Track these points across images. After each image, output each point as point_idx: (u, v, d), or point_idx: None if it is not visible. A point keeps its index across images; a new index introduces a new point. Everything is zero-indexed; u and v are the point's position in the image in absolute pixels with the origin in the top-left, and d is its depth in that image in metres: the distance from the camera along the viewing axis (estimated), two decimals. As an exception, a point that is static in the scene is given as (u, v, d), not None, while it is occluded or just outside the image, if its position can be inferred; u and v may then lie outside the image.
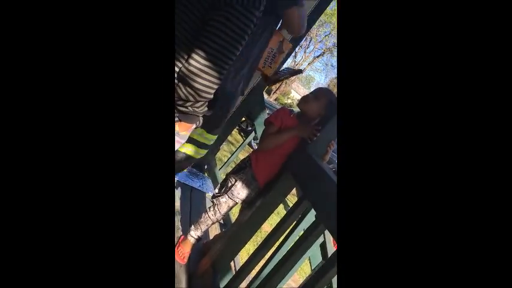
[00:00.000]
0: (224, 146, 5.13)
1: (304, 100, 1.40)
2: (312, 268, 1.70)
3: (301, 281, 2.65)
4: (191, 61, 0.79)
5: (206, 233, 1.72)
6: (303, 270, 3.07)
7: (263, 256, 1.33)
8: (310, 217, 1.29)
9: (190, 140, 1.39)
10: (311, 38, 14.86)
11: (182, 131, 0.95)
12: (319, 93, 1.40)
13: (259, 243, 1.36)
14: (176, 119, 0.90)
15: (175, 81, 0.82)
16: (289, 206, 2.88)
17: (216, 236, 1.76)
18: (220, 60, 0.79)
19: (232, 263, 1.59)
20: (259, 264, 1.34)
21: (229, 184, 1.42)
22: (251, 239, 1.43)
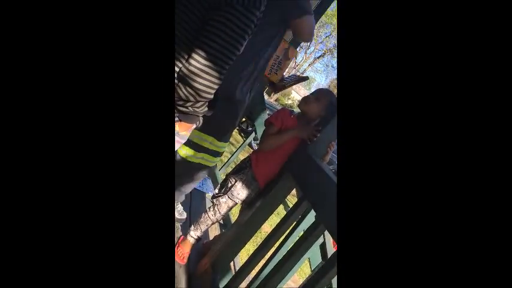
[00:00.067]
0: (224, 147, 5.12)
1: (304, 101, 1.40)
2: (312, 269, 1.70)
3: (301, 281, 2.65)
4: (191, 61, 0.79)
5: (206, 233, 1.72)
6: (302, 270, 3.07)
7: (263, 256, 1.33)
8: (310, 218, 1.29)
9: (203, 149, 1.42)
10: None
11: (182, 131, 0.95)
12: (319, 94, 1.40)
13: (259, 243, 1.36)
14: (176, 119, 0.90)
15: (176, 81, 0.82)
16: (289, 207, 2.88)
17: (216, 237, 1.76)
18: (221, 60, 0.79)
19: (232, 264, 1.59)
20: (259, 264, 1.34)
21: (229, 184, 1.42)
22: (251, 240, 1.43)
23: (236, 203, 1.45)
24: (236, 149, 3.00)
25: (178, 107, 0.86)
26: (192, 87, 0.80)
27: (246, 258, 1.37)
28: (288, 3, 1.25)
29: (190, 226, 1.52)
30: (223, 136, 1.43)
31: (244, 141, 2.86)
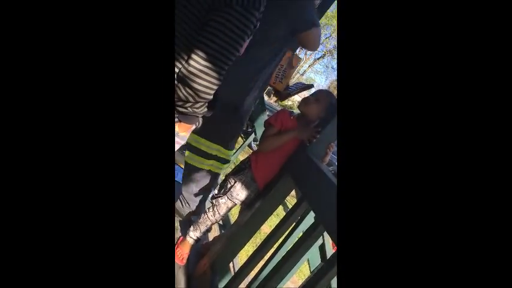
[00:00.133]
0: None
1: (304, 102, 1.40)
2: (311, 270, 1.70)
3: (300, 282, 2.64)
4: (191, 62, 0.79)
5: (205, 234, 1.72)
6: (302, 272, 3.07)
7: (262, 257, 1.33)
8: (309, 219, 1.29)
9: (212, 157, 1.45)
10: (312, 40, 14.84)
11: (182, 132, 0.95)
12: (319, 95, 1.40)
13: (258, 244, 1.35)
14: (176, 119, 0.90)
15: (175, 81, 0.82)
16: (288, 208, 2.88)
17: (215, 237, 1.76)
18: (220, 61, 0.80)
19: (231, 264, 1.59)
20: (258, 265, 1.34)
21: (229, 185, 1.42)
22: (250, 240, 1.43)
23: (235, 204, 1.45)
24: (236, 150, 3.00)
25: (178, 108, 0.87)
26: (191, 87, 0.80)
27: (245, 259, 1.37)
28: (296, 16, 1.28)
29: (189, 227, 1.52)
30: (230, 144, 1.46)
31: (244, 142, 2.86)
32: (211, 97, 0.85)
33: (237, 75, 1.32)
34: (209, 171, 1.57)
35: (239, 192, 1.40)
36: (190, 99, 0.83)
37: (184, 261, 1.48)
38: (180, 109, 0.87)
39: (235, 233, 1.43)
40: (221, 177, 1.73)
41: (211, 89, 0.82)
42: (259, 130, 2.46)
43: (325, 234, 1.35)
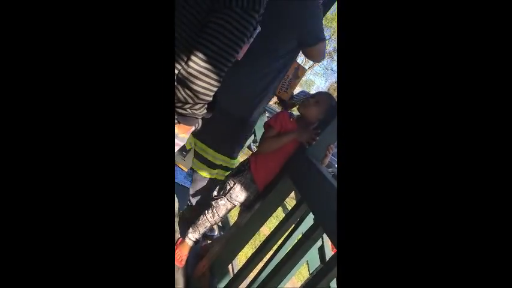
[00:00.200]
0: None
1: (304, 104, 1.40)
2: (310, 272, 1.70)
3: (299, 284, 2.64)
4: (190, 63, 0.79)
5: (204, 235, 1.72)
6: (301, 273, 3.06)
7: (261, 259, 1.33)
8: (309, 220, 1.29)
9: (217, 166, 1.53)
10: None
11: (181, 133, 0.95)
12: (319, 97, 1.40)
13: (258, 246, 1.35)
14: (175, 121, 0.90)
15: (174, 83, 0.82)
16: (287, 210, 2.88)
17: (214, 239, 1.75)
18: (220, 62, 0.80)
19: (230, 266, 1.59)
20: (257, 267, 1.34)
21: (228, 187, 1.42)
22: (249, 242, 1.43)
23: (235, 206, 1.44)
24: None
25: (177, 109, 0.87)
26: (190, 89, 0.80)
27: (244, 261, 1.36)
28: (305, 30, 1.34)
29: (188, 228, 1.52)
30: (235, 154, 1.51)
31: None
32: (210, 98, 0.85)
33: (247, 89, 1.37)
34: (214, 180, 1.61)
35: (238, 194, 1.40)
36: (190, 100, 0.83)
37: (183, 262, 1.48)
38: (180, 110, 0.87)
39: (234, 235, 1.42)
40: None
41: (210, 90, 0.82)
42: (259, 132, 2.46)
43: (325, 236, 1.35)
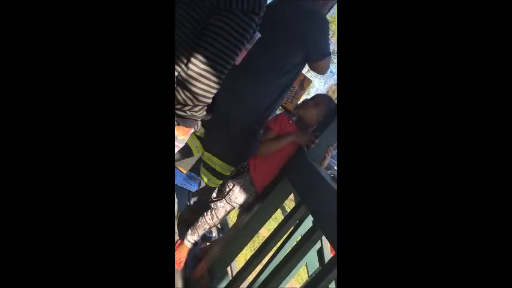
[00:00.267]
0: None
1: (303, 107, 1.41)
2: (309, 274, 1.70)
3: (298, 286, 2.63)
4: (190, 65, 0.79)
5: (203, 237, 1.72)
6: (300, 276, 3.06)
7: (260, 261, 1.32)
8: (308, 223, 1.29)
9: (224, 177, 1.53)
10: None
11: (181, 136, 0.95)
12: (318, 99, 1.41)
13: (257, 248, 1.35)
14: (175, 123, 0.91)
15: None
16: (286, 212, 2.88)
17: (213, 241, 1.75)
18: (219, 64, 0.80)
19: (229, 268, 1.58)
20: (256, 269, 1.34)
21: (227, 189, 1.42)
22: (248, 244, 1.43)
23: (234, 208, 1.44)
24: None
25: (177, 111, 0.87)
26: (190, 91, 0.81)
27: (243, 263, 1.36)
28: (312, 45, 1.38)
29: (187, 230, 1.51)
30: (237, 162, 1.52)
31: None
32: (210, 101, 0.85)
33: (256, 103, 1.42)
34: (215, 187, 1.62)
35: (237, 196, 1.40)
36: (189, 102, 0.83)
37: (182, 265, 1.47)
38: (179, 112, 0.87)
39: (233, 237, 1.42)
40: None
41: (210, 92, 0.82)
42: (258, 134, 2.46)
43: (323, 238, 1.35)
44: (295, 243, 1.20)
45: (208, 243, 1.72)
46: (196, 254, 1.58)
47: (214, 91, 0.83)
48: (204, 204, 1.56)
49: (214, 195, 1.48)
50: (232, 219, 2.19)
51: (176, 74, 0.82)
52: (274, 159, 1.35)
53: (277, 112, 1.75)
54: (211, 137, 1.46)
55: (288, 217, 1.28)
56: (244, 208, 1.45)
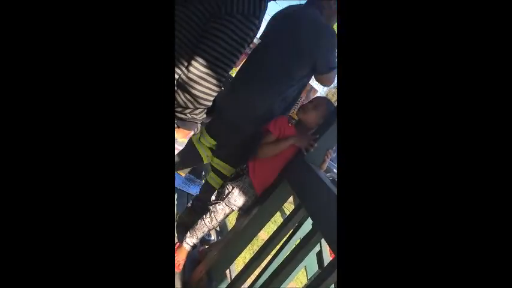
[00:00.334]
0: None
1: (302, 109, 1.41)
2: (308, 277, 1.69)
3: (296, 290, 2.63)
4: (191, 68, 0.79)
5: (201, 240, 1.72)
6: (298, 279, 3.05)
7: (259, 264, 1.32)
8: (307, 226, 1.29)
9: (220, 174, 1.55)
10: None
11: (180, 138, 0.96)
12: (317, 102, 1.41)
13: (256, 251, 1.35)
14: (175, 125, 0.91)
15: (175, 88, 0.83)
16: (286, 214, 2.87)
17: (212, 244, 1.75)
18: (220, 67, 0.80)
19: (227, 271, 1.58)
20: (255, 272, 1.33)
21: (227, 191, 1.42)
22: (247, 247, 1.42)
23: (233, 210, 1.44)
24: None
25: (177, 114, 0.87)
26: (190, 94, 0.81)
27: (242, 266, 1.36)
28: (319, 59, 1.42)
29: (186, 233, 1.51)
30: (238, 164, 1.54)
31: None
32: (210, 103, 0.85)
33: (266, 112, 1.44)
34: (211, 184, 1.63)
35: (237, 199, 1.39)
36: (190, 105, 0.83)
37: (181, 267, 1.47)
38: (179, 115, 0.87)
39: (232, 240, 1.42)
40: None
41: (210, 95, 0.82)
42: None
43: (323, 241, 1.34)
44: (295, 246, 1.20)
45: (207, 246, 1.71)
46: (195, 256, 1.57)
47: (215, 94, 0.83)
48: (203, 207, 1.56)
49: (213, 197, 1.48)
50: (231, 222, 2.19)
51: (177, 77, 0.82)
52: (273, 162, 1.35)
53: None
54: (220, 145, 1.50)
55: (287, 220, 1.27)
56: (243, 211, 1.45)
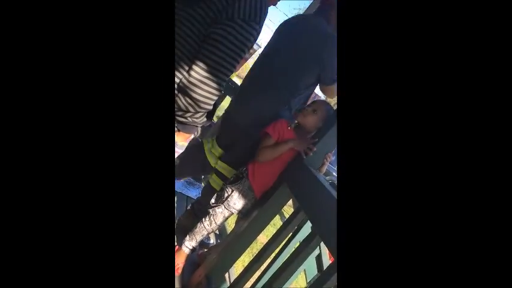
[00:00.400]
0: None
1: (302, 113, 1.41)
2: (308, 280, 1.69)
3: (296, 293, 2.62)
4: (192, 72, 0.80)
5: (201, 243, 1.71)
6: (298, 283, 3.04)
7: (258, 268, 1.32)
8: (306, 229, 1.29)
9: (222, 176, 1.56)
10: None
11: (181, 141, 0.96)
12: (316, 106, 1.41)
13: (255, 254, 1.35)
14: (175, 129, 0.91)
15: (175, 91, 0.83)
16: (285, 218, 2.87)
17: (211, 247, 1.74)
18: (221, 72, 0.81)
19: (227, 275, 1.58)
20: (254, 275, 1.33)
21: (226, 194, 1.41)
22: (246, 250, 1.42)
23: (232, 213, 1.44)
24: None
25: (178, 118, 0.87)
26: (191, 97, 0.81)
27: (241, 269, 1.36)
28: (324, 70, 1.44)
29: (185, 236, 1.51)
30: (240, 166, 1.55)
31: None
32: (211, 107, 0.86)
33: (272, 117, 1.45)
34: (211, 187, 1.64)
35: (236, 202, 1.39)
36: (191, 109, 0.84)
37: (180, 271, 1.46)
38: (180, 119, 0.87)
39: (231, 243, 1.42)
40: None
41: (211, 99, 0.83)
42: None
43: (322, 244, 1.34)
44: (294, 249, 1.20)
45: (206, 249, 1.71)
46: (194, 260, 1.57)
47: (215, 98, 0.84)
48: (203, 210, 1.56)
49: (212, 201, 1.47)
50: (230, 225, 2.19)
51: (178, 81, 0.82)
52: (272, 165, 1.35)
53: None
54: (226, 150, 1.53)
55: (287, 223, 1.28)
56: (242, 214, 1.44)
